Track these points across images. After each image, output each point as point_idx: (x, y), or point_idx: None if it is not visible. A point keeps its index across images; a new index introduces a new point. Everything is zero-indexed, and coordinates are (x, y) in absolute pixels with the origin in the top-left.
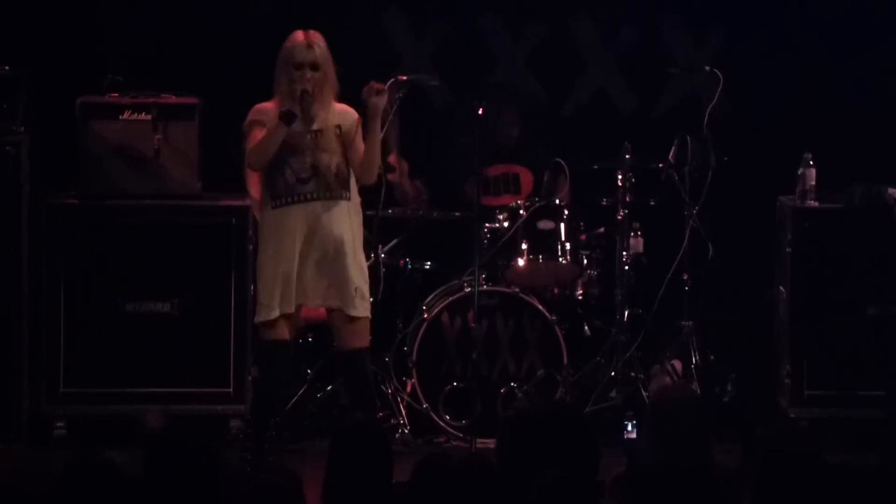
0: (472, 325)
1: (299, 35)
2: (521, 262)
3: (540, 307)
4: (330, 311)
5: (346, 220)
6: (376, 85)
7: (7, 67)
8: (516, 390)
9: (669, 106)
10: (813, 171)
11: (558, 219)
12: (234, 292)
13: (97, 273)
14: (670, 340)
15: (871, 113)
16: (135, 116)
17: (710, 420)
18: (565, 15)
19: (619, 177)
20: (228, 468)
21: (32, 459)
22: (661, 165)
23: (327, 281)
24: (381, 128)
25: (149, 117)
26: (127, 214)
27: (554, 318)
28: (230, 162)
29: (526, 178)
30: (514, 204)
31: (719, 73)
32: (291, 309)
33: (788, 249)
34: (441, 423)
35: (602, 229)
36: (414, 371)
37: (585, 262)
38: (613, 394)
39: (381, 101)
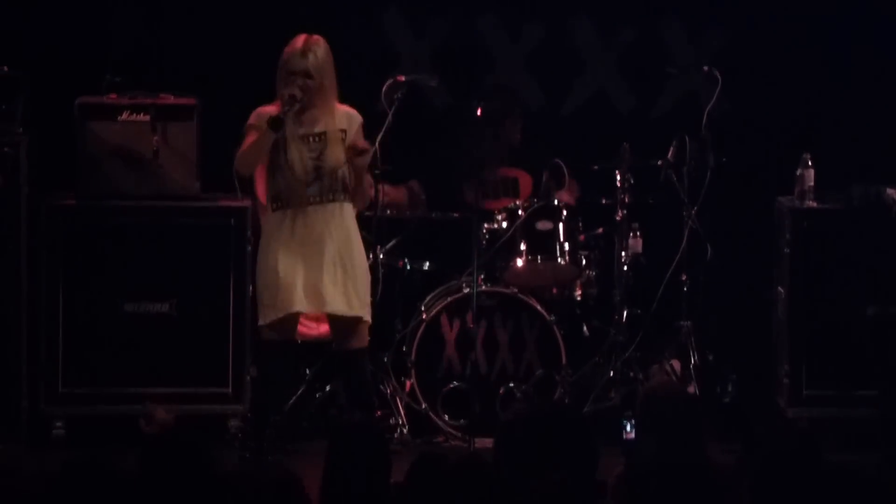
0: (471, 325)
1: (298, 41)
2: (519, 262)
3: (538, 308)
4: (330, 312)
5: (348, 223)
6: (360, 144)
7: (6, 68)
8: (515, 390)
9: (668, 106)
10: (812, 172)
11: (557, 219)
12: (233, 293)
13: (96, 273)
14: (669, 340)
15: (870, 113)
16: (133, 117)
17: (701, 416)
18: (564, 15)
19: (618, 177)
20: (222, 467)
21: (31, 459)
22: (659, 163)
23: (328, 282)
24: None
25: (147, 118)
26: (126, 215)
27: (552, 318)
28: (229, 162)
29: (525, 181)
30: (512, 205)
31: (718, 74)
32: (292, 310)
33: (787, 250)
34: (440, 423)
35: (601, 230)
36: (413, 371)
37: (584, 262)
38: (612, 394)
39: (365, 161)
